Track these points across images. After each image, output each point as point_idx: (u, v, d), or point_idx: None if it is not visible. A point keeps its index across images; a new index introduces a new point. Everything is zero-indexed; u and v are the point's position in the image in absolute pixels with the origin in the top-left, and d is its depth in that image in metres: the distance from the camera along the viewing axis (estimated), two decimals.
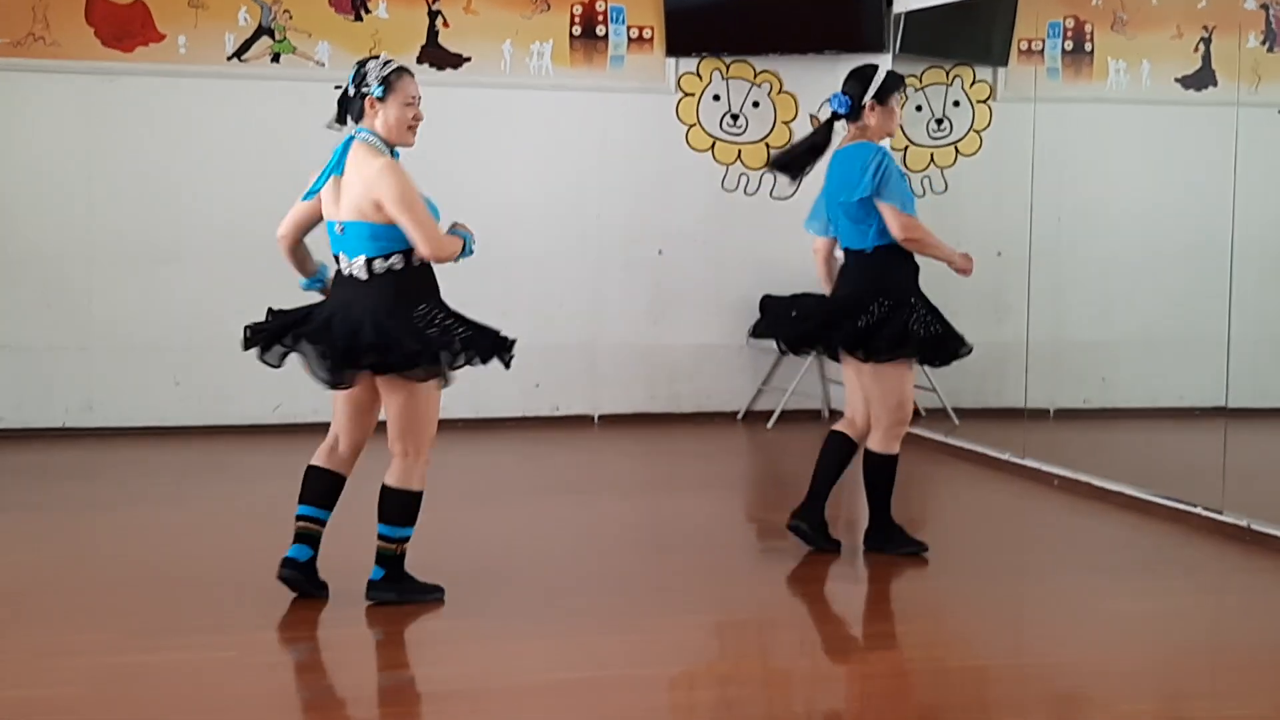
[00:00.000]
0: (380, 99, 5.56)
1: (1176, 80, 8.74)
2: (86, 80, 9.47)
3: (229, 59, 9.66)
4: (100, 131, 9.52)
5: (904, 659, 5.49)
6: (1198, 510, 7.32)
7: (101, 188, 9.51)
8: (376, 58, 5.71)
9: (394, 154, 5.60)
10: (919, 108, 10.28)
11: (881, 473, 6.49)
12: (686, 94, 10.47)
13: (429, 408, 5.62)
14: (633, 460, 9.45)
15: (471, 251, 5.66)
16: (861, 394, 6.54)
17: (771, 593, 6.19)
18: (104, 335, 9.56)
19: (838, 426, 6.67)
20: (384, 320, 5.46)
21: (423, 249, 5.46)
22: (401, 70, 5.61)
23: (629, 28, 10.31)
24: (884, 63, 10.07)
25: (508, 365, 5.71)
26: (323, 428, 5.72)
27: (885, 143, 6.50)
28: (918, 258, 6.48)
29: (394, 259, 5.52)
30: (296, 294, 5.90)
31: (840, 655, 5.55)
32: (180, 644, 5.29)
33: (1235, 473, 7.28)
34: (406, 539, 5.66)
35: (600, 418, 10.39)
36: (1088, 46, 9.38)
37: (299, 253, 5.85)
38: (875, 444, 6.46)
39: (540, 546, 6.87)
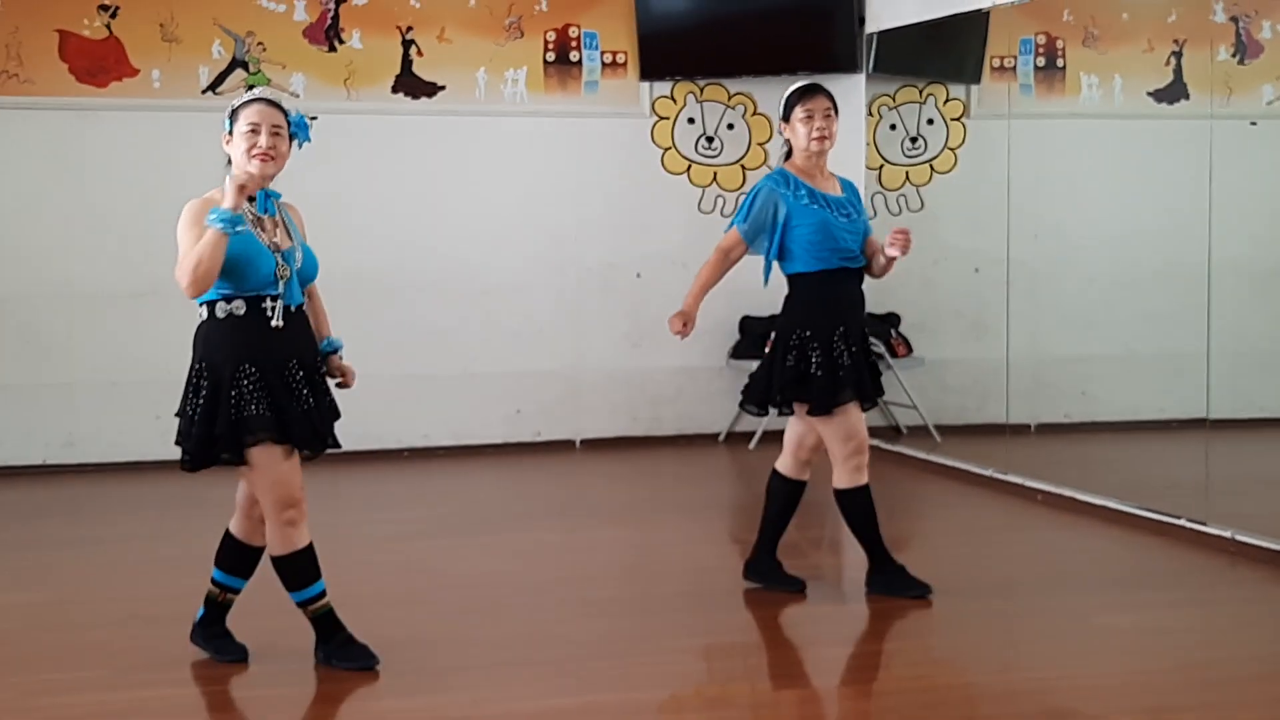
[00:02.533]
0: (229, 134, 5.25)
1: (1149, 94, 8.79)
2: (61, 116, 9.46)
3: (203, 92, 9.66)
4: (76, 167, 9.50)
5: (892, 678, 5.49)
6: (1181, 522, 7.33)
7: (77, 223, 9.49)
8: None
9: (258, 194, 5.24)
10: (893, 126, 10.31)
11: (857, 507, 6.29)
12: (661, 117, 10.49)
13: (249, 479, 5.26)
14: (616, 484, 9.45)
15: (228, 226, 4.97)
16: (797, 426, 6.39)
17: (758, 615, 6.18)
18: (84, 371, 9.53)
19: (777, 464, 6.52)
20: None
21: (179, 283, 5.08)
22: (250, 101, 5.24)
23: (603, 53, 10.33)
24: (858, 83, 10.18)
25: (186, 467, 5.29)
26: (303, 460, 5.65)
27: (818, 158, 6.23)
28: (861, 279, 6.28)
29: (201, 309, 5.27)
30: None
31: (828, 677, 5.54)
32: (169, 680, 5.28)
33: (1218, 484, 7.30)
34: (308, 601, 5.35)
35: (582, 442, 10.38)
36: (1060, 62, 9.42)
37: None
38: (841, 480, 6.26)
39: (526, 573, 6.85)
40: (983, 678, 5.37)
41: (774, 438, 10.49)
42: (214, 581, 5.53)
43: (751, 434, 10.33)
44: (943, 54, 10.18)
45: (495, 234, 10.16)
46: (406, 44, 9.98)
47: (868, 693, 5.33)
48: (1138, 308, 8.96)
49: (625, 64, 10.38)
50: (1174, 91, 8.67)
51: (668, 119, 10.51)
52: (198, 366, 5.21)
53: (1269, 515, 7.15)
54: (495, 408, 10.21)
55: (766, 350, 6.32)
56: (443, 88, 10.07)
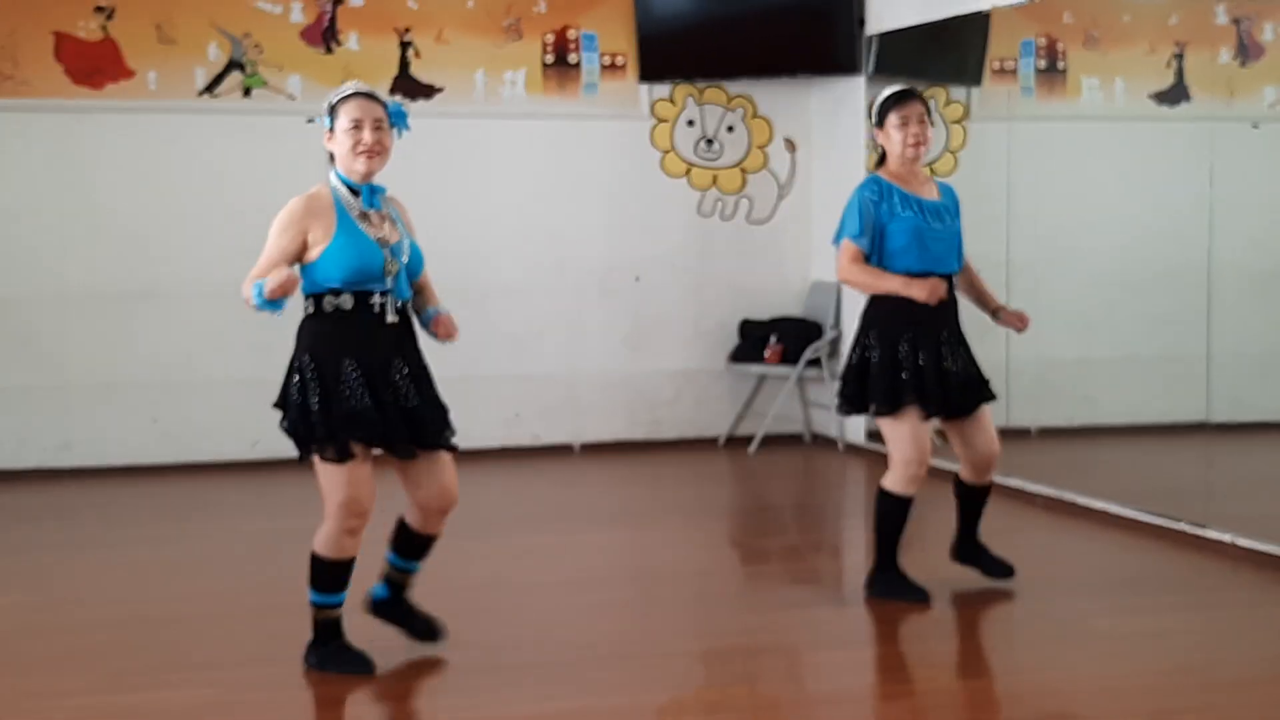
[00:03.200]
0: (330, 130, 5.25)
1: (1150, 96, 8.76)
2: (57, 118, 9.43)
3: (200, 94, 9.63)
4: (72, 169, 9.48)
5: (893, 682, 5.48)
6: (1182, 526, 7.31)
7: (74, 225, 9.46)
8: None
9: (363, 188, 5.22)
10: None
11: (887, 512, 6.26)
12: (660, 120, 10.47)
13: (323, 473, 5.16)
14: (615, 488, 9.43)
15: (263, 304, 4.94)
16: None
17: (757, 619, 6.16)
18: (80, 374, 9.50)
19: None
20: None
21: None
22: (349, 95, 5.23)
23: (602, 55, 10.31)
24: (858, 85, 10.17)
25: (300, 457, 5.22)
26: (301, 463, 5.60)
27: (907, 164, 6.21)
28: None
29: (307, 303, 5.22)
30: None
31: (827, 679, 5.52)
32: (164, 683, 5.25)
33: (1219, 488, 7.29)
34: (322, 606, 5.33)
35: (581, 446, 10.36)
36: (1060, 64, 9.40)
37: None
38: (886, 481, 6.24)
39: (526, 577, 6.84)
40: (984, 681, 5.37)
41: (774, 442, 10.52)
42: (389, 564, 5.56)
43: (751, 438, 10.31)
44: (943, 56, 10.16)
45: (494, 237, 10.14)
46: (404, 45, 9.95)
47: (867, 696, 5.32)
48: (1139, 311, 8.93)
49: (624, 66, 10.36)
50: (1175, 94, 8.65)
51: (667, 121, 10.49)
52: (303, 360, 5.14)
53: (1270, 519, 7.12)
54: (494, 411, 10.18)
55: (943, 295, 6.22)
56: (441, 89, 10.04)
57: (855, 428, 10.22)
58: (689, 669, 5.58)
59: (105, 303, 9.52)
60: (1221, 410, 7.55)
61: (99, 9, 9.44)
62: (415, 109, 9.82)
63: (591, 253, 10.33)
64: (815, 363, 10.26)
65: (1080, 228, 9.17)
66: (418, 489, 5.35)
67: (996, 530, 7.90)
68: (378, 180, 5.28)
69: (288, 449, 5.24)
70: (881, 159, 6.30)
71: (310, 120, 9.79)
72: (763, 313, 10.53)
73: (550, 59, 10.23)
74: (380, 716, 5.11)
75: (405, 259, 5.22)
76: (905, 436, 6.13)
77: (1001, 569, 6.48)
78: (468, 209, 10.03)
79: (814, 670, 5.67)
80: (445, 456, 5.35)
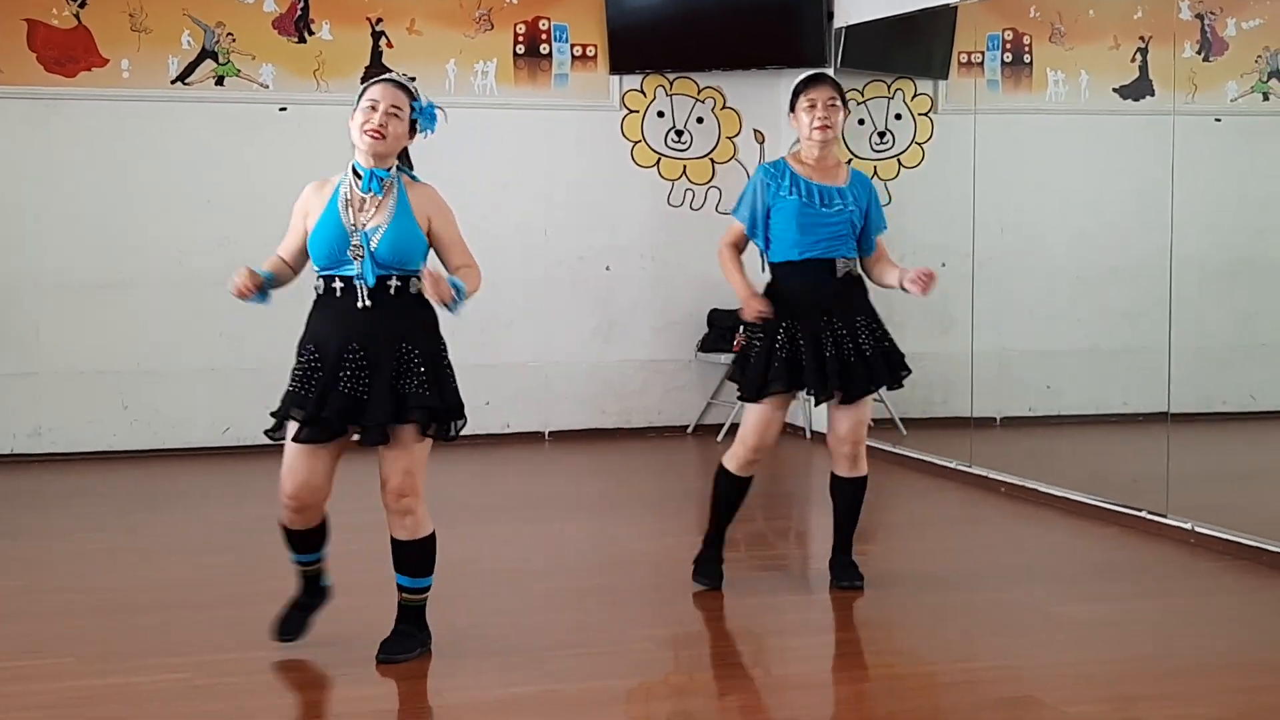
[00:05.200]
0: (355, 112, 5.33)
1: (1114, 90, 8.84)
2: (29, 105, 9.45)
3: (172, 83, 9.66)
4: (44, 156, 9.49)
5: (856, 667, 5.55)
6: (1143, 514, 7.41)
7: (46, 213, 9.48)
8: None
9: (365, 172, 5.31)
10: (861, 121, 10.35)
11: (718, 487, 6.42)
12: (631, 111, 10.52)
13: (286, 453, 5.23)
14: (584, 476, 9.48)
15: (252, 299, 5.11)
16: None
17: (724, 605, 6.22)
18: (51, 361, 9.52)
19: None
20: None
21: None
22: (379, 80, 5.36)
23: (572, 46, 10.36)
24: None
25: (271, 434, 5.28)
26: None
27: (820, 149, 6.17)
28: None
29: (317, 282, 5.27)
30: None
31: (793, 665, 5.58)
32: (135, 668, 5.29)
33: (1178, 477, 7.37)
34: (294, 562, 5.49)
35: (551, 434, 10.42)
36: (1026, 58, 9.48)
37: None
38: (725, 457, 6.33)
39: (493, 563, 6.89)
40: (945, 667, 5.42)
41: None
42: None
43: (720, 427, 10.37)
44: (910, 49, 10.23)
45: (464, 226, 10.12)
46: (376, 35, 9.99)
47: (832, 681, 5.38)
48: (1101, 303, 9.02)
49: (595, 57, 10.41)
50: (1139, 88, 8.73)
51: (637, 112, 10.54)
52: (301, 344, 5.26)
53: (1228, 507, 7.22)
54: (464, 399, 10.20)
55: (769, 314, 6.17)
56: (412, 79, 9.98)
57: (822, 417, 10.27)
58: (656, 654, 5.63)
59: (77, 290, 9.54)
60: (1182, 401, 7.64)
61: None
62: None
63: (562, 242, 10.38)
64: None
65: (1044, 220, 9.26)
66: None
67: (960, 518, 8.02)
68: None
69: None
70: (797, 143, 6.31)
71: (283, 109, 9.85)
72: (731, 303, 10.53)
73: (521, 50, 10.28)
74: (342, 700, 5.14)
75: (375, 243, 5.17)
76: (754, 421, 6.17)
77: (851, 575, 6.39)
78: None
79: (780, 656, 5.74)
80: (395, 449, 5.22)
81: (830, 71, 10.19)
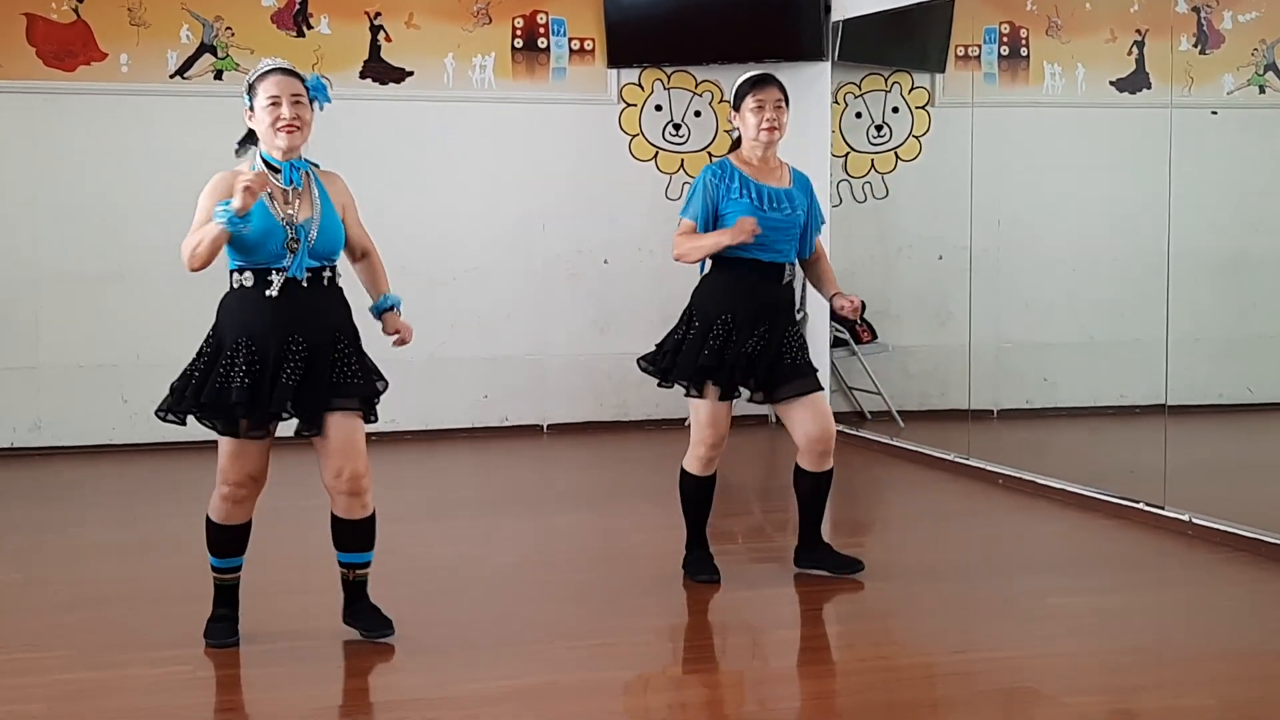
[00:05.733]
0: (250, 109, 5.31)
1: (1111, 83, 8.86)
2: (28, 100, 9.45)
3: (171, 77, 9.67)
4: (43, 151, 9.50)
5: (853, 659, 5.55)
6: (1140, 506, 7.42)
7: (45, 207, 9.49)
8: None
9: (284, 166, 5.27)
10: (859, 114, 10.37)
11: (685, 491, 6.43)
12: (629, 104, 10.53)
13: (221, 443, 5.33)
14: (582, 469, 9.50)
15: (231, 226, 5.03)
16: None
17: (722, 597, 6.23)
18: (51, 354, 9.54)
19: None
20: None
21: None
22: (266, 72, 5.27)
23: (570, 40, 10.37)
24: (823, 71, 10.24)
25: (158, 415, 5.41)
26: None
27: (763, 149, 6.16)
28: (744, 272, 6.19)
29: (244, 276, 5.26)
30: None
31: (790, 656, 5.60)
32: (135, 660, 5.30)
33: (1176, 469, 7.38)
34: (214, 569, 5.50)
35: (549, 427, 10.43)
36: (1023, 51, 9.49)
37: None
38: (686, 461, 6.42)
39: (492, 557, 6.90)
40: (942, 658, 5.43)
41: (738, 423, 10.46)
42: (339, 563, 5.52)
43: None
44: (908, 42, 10.25)
45: (462, 220, 10.20)
46: (375, 29, 10.00)
47: (829, 673, 5.39)
48: (1098, 295, 9.04)
49: (593, 51, 10.42)
50: (1136, 81, 8.74)
51: (635, 106, 10.55)
52: (208, 334, 5.27)
53: (1225, 499, 7.24)
54: (463, 393, 10.25)
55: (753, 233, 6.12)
56: (411, 73, 10.09)
57: None
58: (654, 647, 5.65)
59: (76, 283, 9.55)
60: (1179, 393, 7.65)
61: None
62: (386, 92, 9.97)
63: (559, 236, 10.39)
64: None
65: (1041, 213, 9.28)
66: (322, 468, 5.35)
67: (957, 510, 8.03)
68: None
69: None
70: (737, 143, 6.31)
71: None
72: None
73: (519, 43, 10.29)
74: (347, 695, 5.16)
75: (313, 236, 5.20)
76: (703, 418, 6.25)
77: (852, 564, 6.40)
78: (437, 192, 10.09)
79: (777, 647, 5.74)
80: (340, 433, 5.27)
81: (828, 65, 10.21)
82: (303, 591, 5.77)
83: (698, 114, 10.66)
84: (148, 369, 9.64)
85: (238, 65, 9.70)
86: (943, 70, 9.95)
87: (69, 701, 4.92)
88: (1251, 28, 8.38)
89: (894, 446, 9.55)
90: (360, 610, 5.50)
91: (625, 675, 5.26)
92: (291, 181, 5.26)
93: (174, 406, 5.34)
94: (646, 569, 6.72)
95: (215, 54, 9.72)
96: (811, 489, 6.34)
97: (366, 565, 5.48)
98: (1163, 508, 7.28)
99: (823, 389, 6.32)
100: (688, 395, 6.30)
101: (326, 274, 5.28)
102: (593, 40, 10.41)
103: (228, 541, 5.42)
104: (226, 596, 5.50)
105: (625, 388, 10.55)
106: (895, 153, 10.37)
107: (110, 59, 9.56)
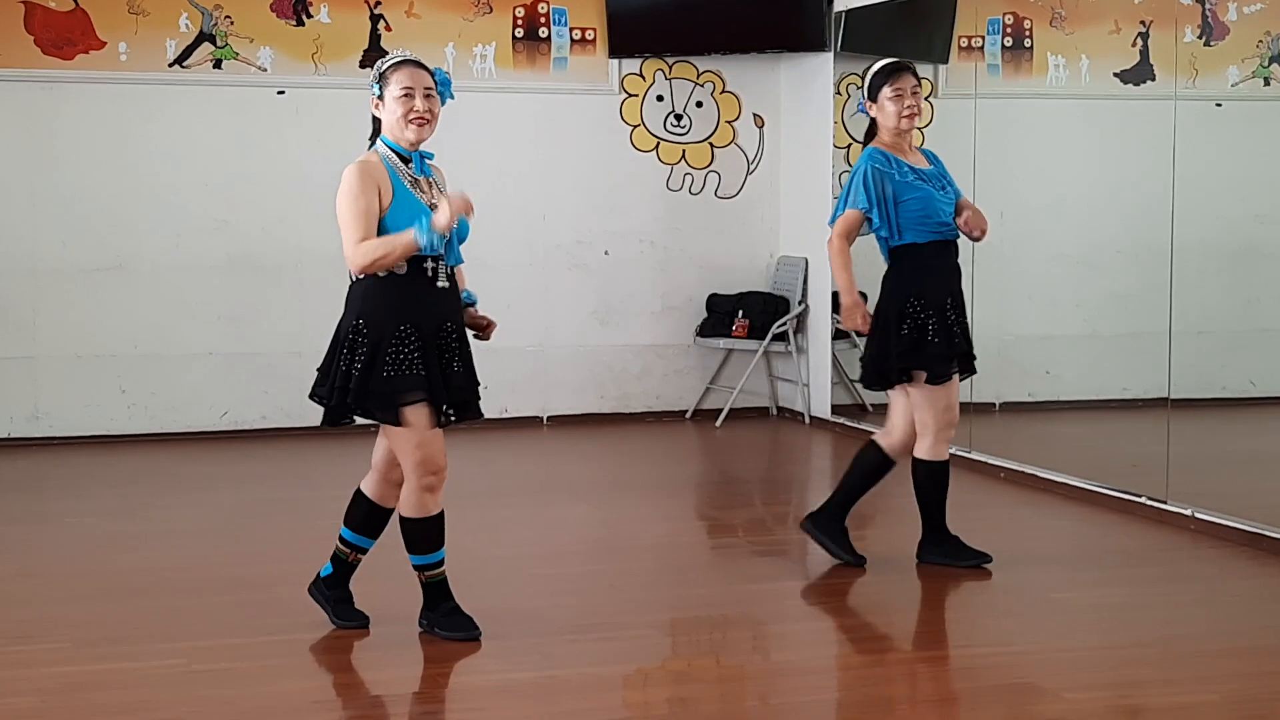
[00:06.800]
0: (379, 98, 5.32)
1: (1115, 75, 8.83)
2: (26, 88, 9.41)
3: (170, 66, 9.62)
4: (41, 139, 9.46)
5: (855, 653, 5.54)
6: (1142, 500, 7.40)
7: (44, 196, 9.45)
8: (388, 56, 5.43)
9: (414, 156, 5.36)
10: (862, 105, 10.32)
11: (935, 481, 6.36)
12: (630, 95, 10.50)
13: (393, 436, 5.29)
14: (583, 461, 9.47)
15: (432, 244, 5.10)
16: (904, 402, 6.33)
17: (723, 590, 6.22)
18: (49, 344, 9.50)
19: (876, 436, 6.48)
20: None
21: (346, 255, 5.16)
22: (399, 63, 5.29)
23: (571, 29, 10.33)
24: (825, 61, 10.21)
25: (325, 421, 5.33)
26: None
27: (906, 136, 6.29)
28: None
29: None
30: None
31: (790, 651, 5.58)
32: (131, 653, 5.28)
33: (1178, 463, 7.36)
34: (420, 567, 5.47)
35: (550, 419, 10.41)
36: (1027, 42, 9.46)
37: None
38: (923, 451, 6.29)
39: (492, 549, 6.87)
40: (945, 652, 5.42)
41: (740, 416, 10.58)
42: (342, 540, 5.50)
43: (718, 412, 10.36)
44: (911, 33, 10.21)
45: None
46: (375, 19, 9.96)
47: (829, 667, 5.38)
48: (1101, 287, 9.02)
49: (594, 41, 10.38)
50: (1140, 73, 8.71)
51: (636, 96, 10.51)
52: (355, 323, 5.18)
53: (1228, 493, 7.22)
54: None
55: (867, 331, 6.27)
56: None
57: (821, 402, 10.28)
58: (655, 640, 5.63)
59: (75, 274, 9.51)
60: (1182, 387, 7.63)
61: None
62: None
63: (560, 227, 10.36)
64: (782, 337, 10.32)
65: (1044, 205, 9.24)
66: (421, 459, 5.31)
67: (960, 503, 7.97)
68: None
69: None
70: (870, 131, 6.36)
71: (280, 92, 9.83)
72: (730, 287, 10.57)
73: (520, 33, 10.25)
74: (348, 686, 5.14)
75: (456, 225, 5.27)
76: (951, 400, 6.27)
77: (980, 556, 6.44)
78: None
79: (779, 641, 5.73)
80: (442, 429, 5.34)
81: (830, 56, 10.17)
82: (300, 584, 5.73)
83: (699, 104, 10.63)
84: (146, 359, 9.63)
85: (237, 54, 9.66)
86: (946, 61, 9.90)
87: (65, 695, 4.89)
88: (1257, 19, 8.35)
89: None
90: (448, 611, 5.43)
91: (625, 669, 5.23)
92: (422, 171, 5.35)
93: (340, 404, 5.20)
94: (647, 561, 6.71)
95: (214, 43, 9.68)
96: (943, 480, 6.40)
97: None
98: (1165, 502, 7.25)
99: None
100: (904, 385, 6.25)
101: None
102: (594, 30, 10.37)
103: (437, 531, 5.39)
104: (441, 590, 5.42)
105: (626, 379, 10.52)
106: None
107: (109, 48, 9.52)
